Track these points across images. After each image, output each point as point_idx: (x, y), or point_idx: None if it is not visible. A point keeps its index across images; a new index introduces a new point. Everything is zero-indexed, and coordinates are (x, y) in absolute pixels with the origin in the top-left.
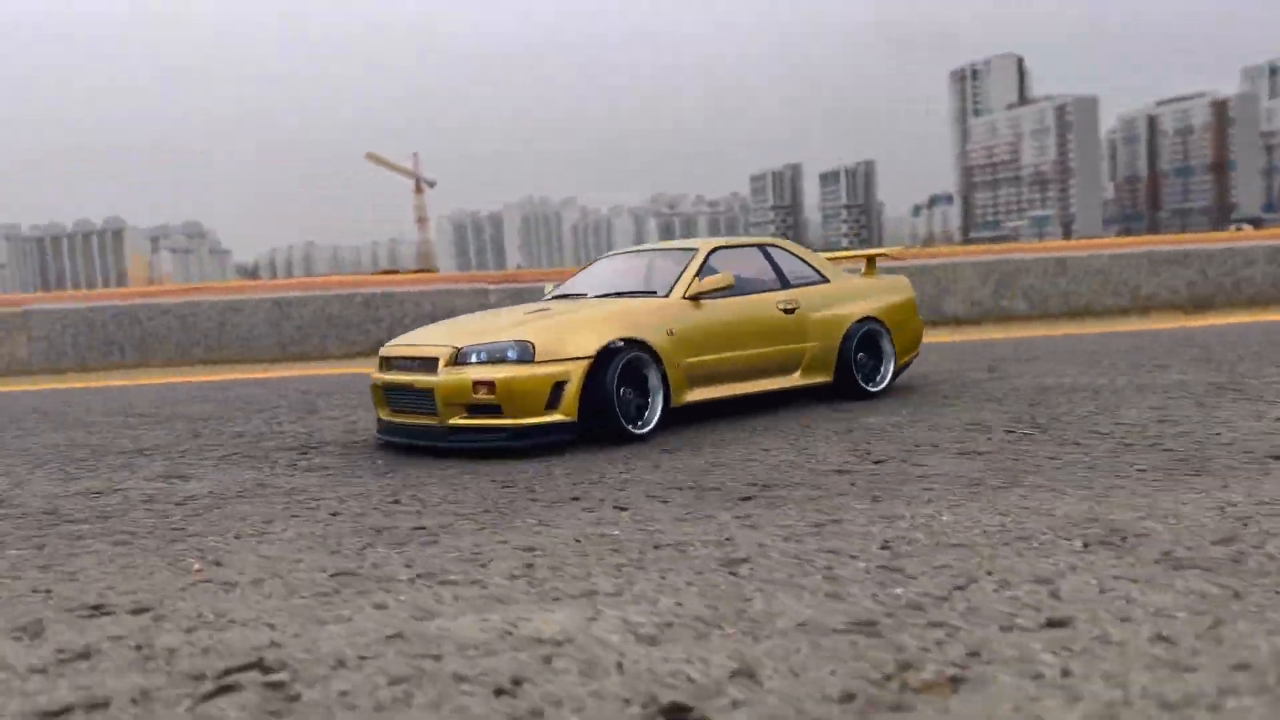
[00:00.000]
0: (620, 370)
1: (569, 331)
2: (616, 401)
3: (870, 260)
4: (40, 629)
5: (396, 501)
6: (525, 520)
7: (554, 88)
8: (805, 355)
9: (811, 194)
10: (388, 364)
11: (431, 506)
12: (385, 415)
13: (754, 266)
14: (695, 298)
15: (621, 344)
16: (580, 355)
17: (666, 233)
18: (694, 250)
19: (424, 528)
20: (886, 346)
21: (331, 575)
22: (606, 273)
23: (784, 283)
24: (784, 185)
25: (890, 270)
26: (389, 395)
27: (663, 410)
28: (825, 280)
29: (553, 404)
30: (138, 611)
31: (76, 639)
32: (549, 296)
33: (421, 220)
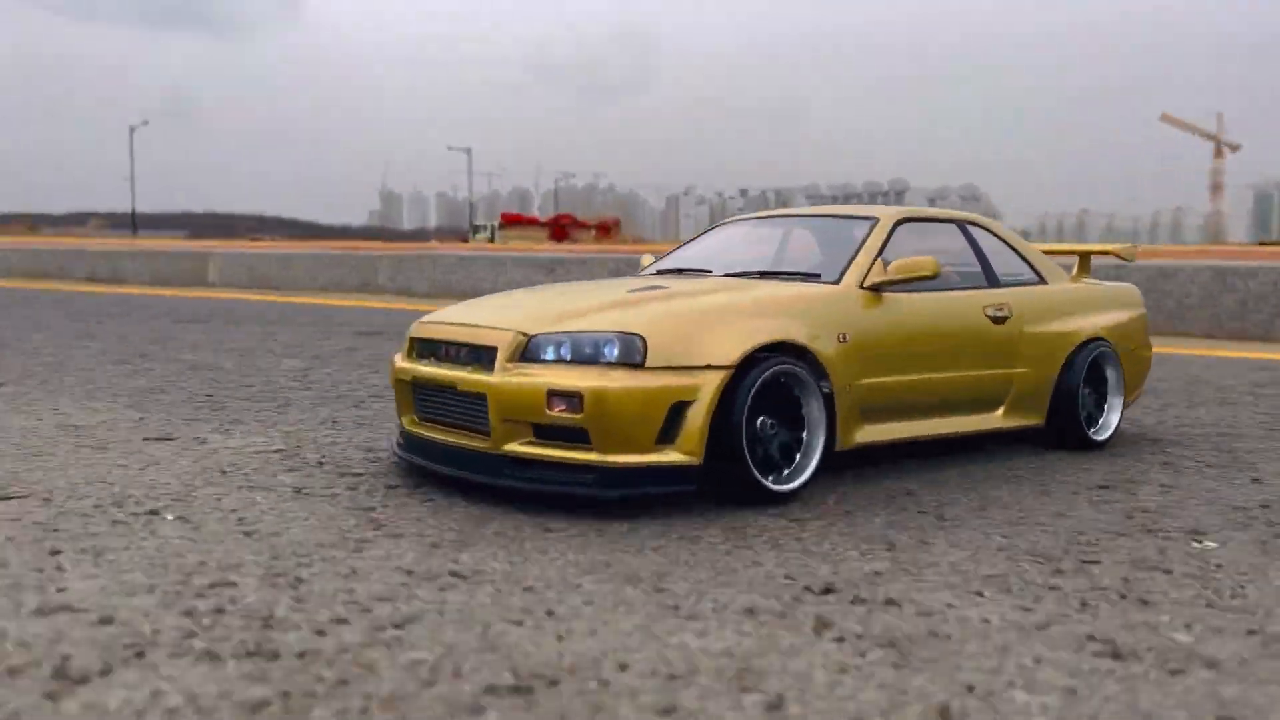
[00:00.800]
0: (758, 390)
1: (699, 324)
2: (747, 439)
3: (1084, 259)
4: None
5: None
6: None
7: None
8: (1014, 385)
9: None
10: (420, 349)
11: None
12: (410, 425)
13: (950, 251)
14: (876, 288)
15: (770, 350)
16: (716, 363)
17: None
18: (873, 221)
19: None
20: (1114, 379)
21: None
22: (735, 243)
23: (991, 279)
24: None
25: None
26: (419, 396)
27: (821, 455)
28: (1042, 280)
29: (667, 436)
30: None
31: None
32: (649, 270)
33: (1217, 187)
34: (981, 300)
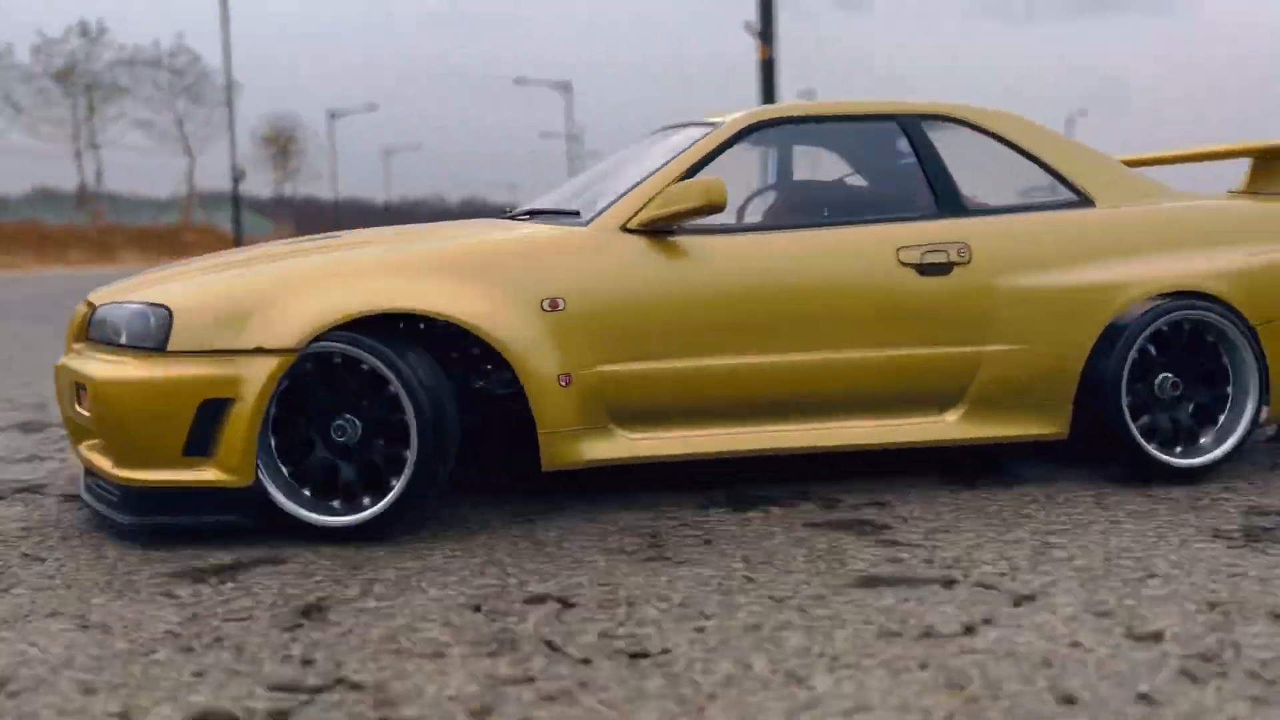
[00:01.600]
0: (326, 384)
1: (265, 291)
2: (275, 452)
3: (1261, 160)
4: None
5: None
6: None
7: None
8: (980, 373)
9: None
10: None
11: None
12: None
13: (889, 167)
14: (653, 230)
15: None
16: (270, 345)
17: None
18: (712, 129)
19: None
20: (1245, 363)
21: None
22: (626, 164)
23: (945, 204)
24: None
25: None
26: None
27: (412, 479)
28: (1086, 202)
29: (201, 446)
30: None
31: None
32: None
33: None
34: (894, 239)
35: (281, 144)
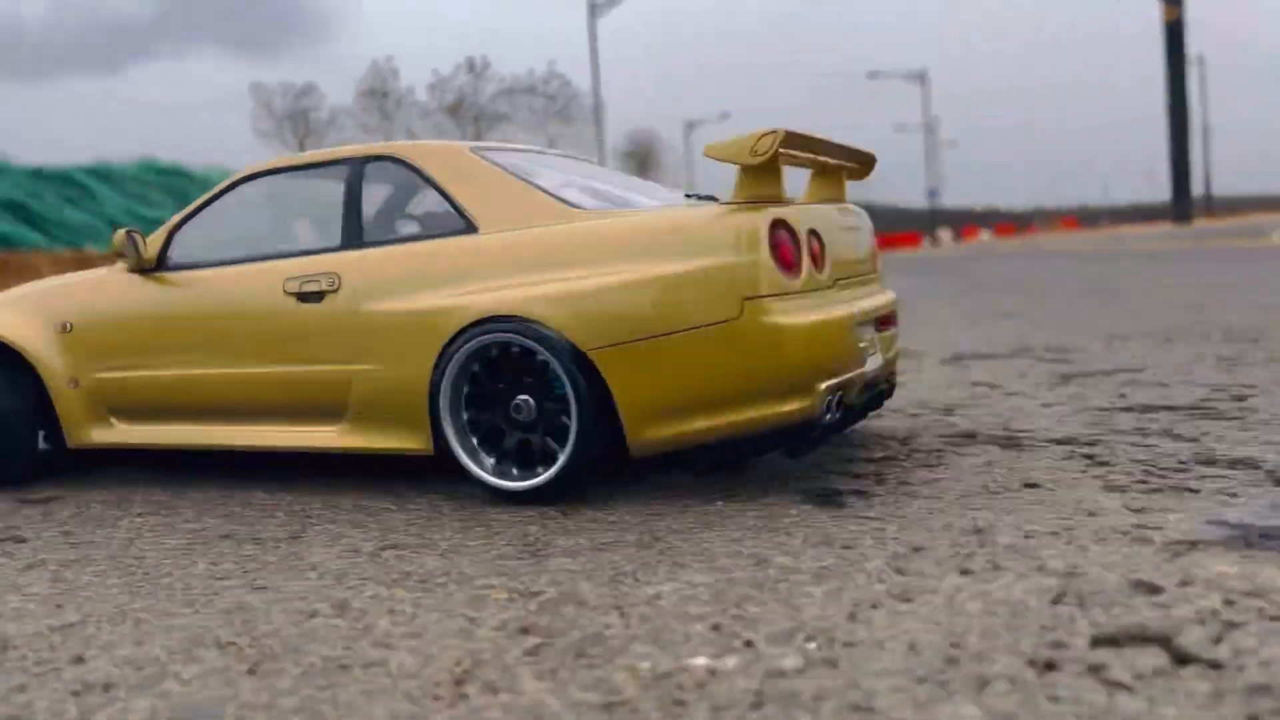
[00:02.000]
0: None
1: None
2: None
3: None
4: None
5: None
6: None
7: None
8: (352, 389)
9: None
10: None
11: None
12: None
13: (323, 207)
14: (143, 269)
15: None
16: None
17: None
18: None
19: None
20: (567, 388)
21: None
22: None
23: (347, 237)
24: None
25: None
26: None
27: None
28: (470, 229)
29: None
30: None
31: None
32: None
33: None
34: (284, 271)
35: (641, 158)
